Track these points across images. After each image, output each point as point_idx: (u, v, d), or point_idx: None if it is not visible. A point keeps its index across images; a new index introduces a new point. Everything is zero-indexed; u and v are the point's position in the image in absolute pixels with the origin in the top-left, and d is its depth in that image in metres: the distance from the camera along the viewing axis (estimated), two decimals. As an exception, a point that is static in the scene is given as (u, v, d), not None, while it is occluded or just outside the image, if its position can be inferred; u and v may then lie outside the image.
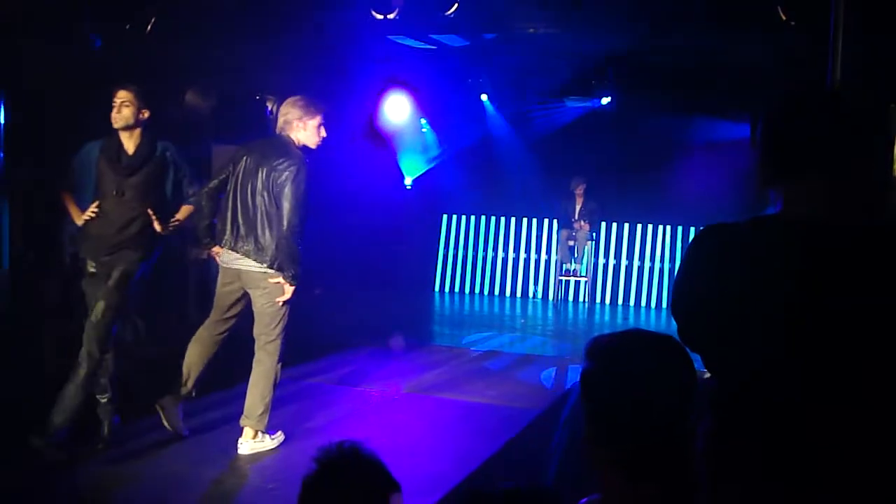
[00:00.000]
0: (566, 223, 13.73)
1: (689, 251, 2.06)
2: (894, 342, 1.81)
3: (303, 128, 6.00)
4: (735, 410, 1.94)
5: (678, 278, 2.07)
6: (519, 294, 14.99)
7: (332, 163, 13.22)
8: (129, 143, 5.81)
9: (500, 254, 15.05)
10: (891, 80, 8.18)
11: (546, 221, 14.86)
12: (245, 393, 6.06)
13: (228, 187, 5.93)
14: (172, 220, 6.01)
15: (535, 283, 14.96)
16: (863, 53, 6.36)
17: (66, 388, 5.62)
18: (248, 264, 5.85)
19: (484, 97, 14.08)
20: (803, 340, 1.84)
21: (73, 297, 8.62)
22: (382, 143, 14.01)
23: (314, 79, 12.15)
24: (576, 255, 13.93)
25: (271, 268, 5.81)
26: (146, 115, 5.83)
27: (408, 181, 14.53)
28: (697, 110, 12.53)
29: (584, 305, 14.20)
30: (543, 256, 14.90)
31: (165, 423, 6.04)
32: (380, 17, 9.41)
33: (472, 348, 9.88)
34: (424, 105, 13.91)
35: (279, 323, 5.99)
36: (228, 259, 5.96)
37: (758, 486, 1.88)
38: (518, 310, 14.06)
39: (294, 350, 9.00)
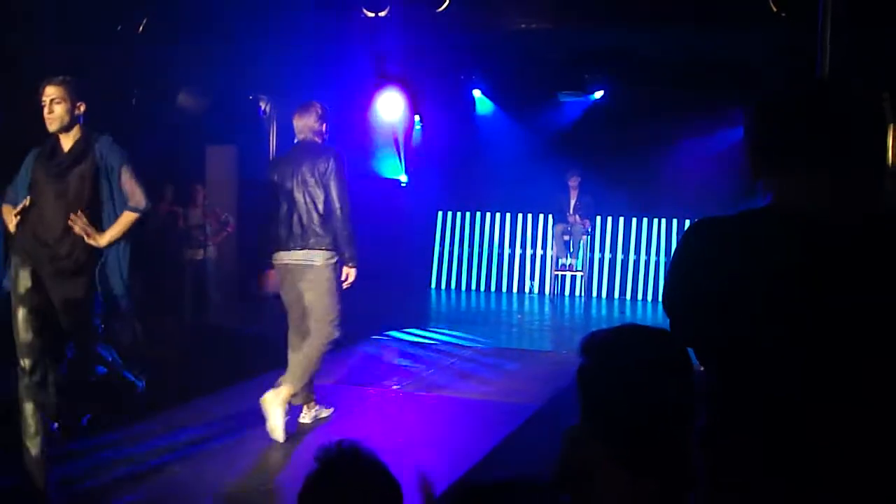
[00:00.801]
0: (561, 218, 13.74)
1: (680, 245, 2.06)
2: (891, 334, 1.82)
3: (321, 130, 6.53)
4: (731, 405, 1.94)
5: (670, 272, 2.07)
6: (515, 289, 15.00)
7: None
8: (65, 139, 5.21)
9: (496, 249, 15.06)
10: (883, 69, 8.19)
11: (541, 216, 14.86)
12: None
13: (276, 200, 6.38)
14: (110, 229, 5.23)
15: (532, 279, 14.98)
16: (854, 44, 6.37)
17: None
18: (297, 258, 6.34)
19: (477, 93, 14.07)
20: (799, 334, 1.84)
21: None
22: (377, 141, 14.00)
23: (306, 78, 12.15)
24: (571, 249, 13.95)
25: (329, 251, 6.29)
26: (82, 108, 5.20)
27: (402, 178, 14.52)
28: (690, 103, 12.53)
29: (580, 300, 14.22)
30: (539, 251, 14.91)
31: (270, 423, 6.12)
32: (371, 14, 9.41)
33: (468, 344, 9.88)
34: (417, 102, 13.90)
35: (331, 312, 6.43)
36: (282, 258, 6.41)
37: (758, 481, 1.88)
38: (514, 305, 14.07)
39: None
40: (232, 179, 13.07)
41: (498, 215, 15.18)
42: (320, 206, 6.29)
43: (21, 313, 5.05)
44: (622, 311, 13.38)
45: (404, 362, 9.02)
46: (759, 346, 1.87)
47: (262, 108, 12.80)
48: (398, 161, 14.49)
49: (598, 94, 13.34)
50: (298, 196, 6.31)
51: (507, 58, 12.62)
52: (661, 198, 13.55)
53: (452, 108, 14.12)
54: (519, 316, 13.24)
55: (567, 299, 14.36)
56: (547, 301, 14.23)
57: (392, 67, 12.30)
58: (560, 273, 14.22)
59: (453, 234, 15.38)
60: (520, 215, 15.07)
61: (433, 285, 15.26)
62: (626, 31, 10.74)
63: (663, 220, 14.37)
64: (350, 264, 6.40)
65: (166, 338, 9.96)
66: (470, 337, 10.38)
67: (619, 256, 14.56)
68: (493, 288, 15.11)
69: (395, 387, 7.97)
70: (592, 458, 1.90)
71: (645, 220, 14.51)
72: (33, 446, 4.95)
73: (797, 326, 1.83)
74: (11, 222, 5.14)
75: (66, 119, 5.15)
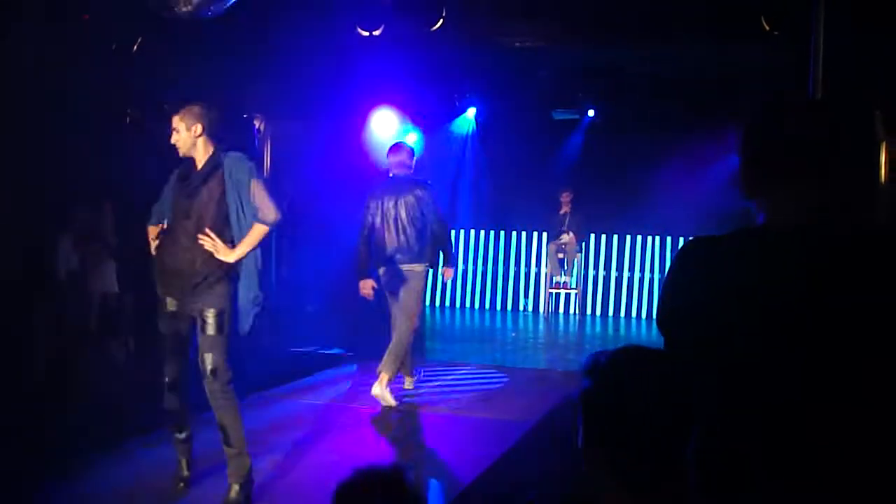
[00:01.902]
0: (554, 235, 13.76)
1: (674, 264, 2.06)
2: (888, 347, 1.82)
3: (411, 165, 8.13)
4: (727, 422, 1.95)
5: (664, 291, 2.07)
6: (509, 307, 15.00)
7: (323, 180, 13.25)
8: (198, 156, 5.44)
9: (490, 267, 15.07)
10: (875, 87, 8.24)
11: (535, 234, 14.88)
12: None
13: (376, 224, 7.90)
14: (241, 244, 5.28)
15: (526, 296, 14.98)
16: (846, 61, 6.40)
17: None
18: (405, 268, 7.88)
19: (471, 111, 14.12)
20: (795, 350, 1.84)
21: (65, 317, 8.62)
22: (371, 159, 14.02)
23: (300, 97, 12.18)
24: (565, 267, 13.96)
25: (423, 262, 7.92)
26: (198, 129, 5.39)
27: None
28: (683, 121, 12.58)
29: (574, 317, 14.23)
30: (533, 269, 14.92)
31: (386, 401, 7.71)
32: (365, 33, 9.45)
33: (463, 362, 9.87)
34: (412, 120, 13.93)
35: (416, 308, 8.12)
36: (384, 271, 7.97)
37: (759, 490, 1.88)
38: (509, 323, 14.07)
39: (283, 368, 9.03)
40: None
41: (492, 233, 15.21)
42: (417, 227, 7.83)
43: (167, 335, 5.44)
44: (616, 329, 13.39)
45: (397, 381, 9.00)
46: (756, 363, 1.87)
47: (257, 126, 12.82)
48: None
49: (592, 113, 13.39)
50: (400, 219, 7.82)
51: (500, 76, 12.67)
52: (655, 215, 13.57)
53: (446, 126, 14.15)
54: (513, 334, 13.25)
55: (561, 317, 14.37)
56: (541, 319, 14.23)
57: (386, 86, 12.33)
58: (554, 291, 14.23)
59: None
60: (513, 233, 15.09)
61: (427, 303, 15.25)
62: (620, 49, 10.80)
63: (657, 238, 14.39)
64: (450, 266, 8.50)
65: (160, 356, 9.95)
66: (464, 355, 10.38)
67: (614, 274, 14.58)
68: (487, 306, 15.12)
69: (388, 405, 7.95)
70: (594, 478, 1.90)
71: (639, 237, 14.53)
72: (179, 442, 5.62)
73: (793, 343, 1.84)
74: (152, 245, 5.48)
75: (189, 142, 5.38)
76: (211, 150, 5.39)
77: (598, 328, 13.56)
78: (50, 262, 9.12)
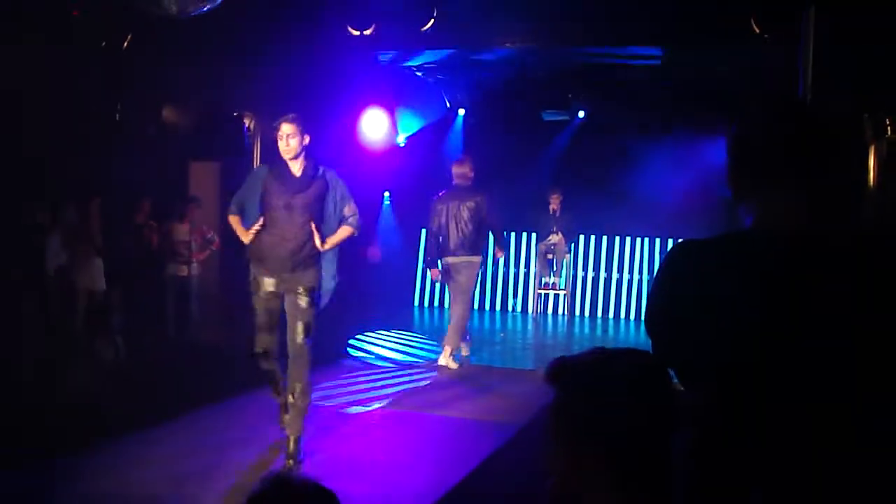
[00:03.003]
0: (544, 236, 13.76)
1: (662, 267, 2.06)
2: (876, 350, 1.83)
3: (472, 176, 9.87)
4: (715, 426, 1.95)
5: (652, 294, 2.07)
6: (498, 308, 15.00)
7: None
8: (295, 166, 6.22)
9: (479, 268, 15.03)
10: (863, 90, 8.26)
11: (524, 235, 14.88)
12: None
13: (444, 223, 9.71)
14: (331, 238, 6.38)
15: (514, 297, 14.98)
16: (835, 65, 6.43)
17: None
18: (461, 259, 9.74)
19: (461, 112, 14.11)
20: (783, 353, 1.85)
21: (53, 315, 8.59)
22: (361, 159, 14.01)
23: (291, 96, 12.16)
24: (554, 268, 13.96)
25: (478, 255, 9.84)
26: (307, 140, 6.21)
27: (386, 195, 14.47)
28: (673, 123, 12.60)
29: (563, 318, 14.23)
30: (522, 270, 14.92)
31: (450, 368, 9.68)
32: (356, 33, 9.44)
33: (451, 364, 9.86)
34: (401, 120, 13.92)
35: (473, 289, 10.15)
36: (452, 262, 9.78)
37: (750, 492, 1.89)
38: (497, 323, 14.07)
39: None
40: (215, 196, 13.03)
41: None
42: (475, 226, 9.67)
43: (261, 312, 6.39)
44: (605, 330, 13.40)
45: (386, 381, 9.00)
46: (744, 365, 1.87)
47: (247, 125, 12.79)
48: (382, 178, 14.50)
49: (582, 114, 13.40)
50: (462, 220, 9.65)
51: (491, 77, 12.67)
52: (644, 216, 13.58)
53: (436, 126, 14.14)
54: (502, 334, 13.25)
55: (550, 318, 14.38)
56: (530, 319, 14.23)
57: (377, 86, 12.32)
58: (543, 291, 14.24)
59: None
60: (503, 234, 15.06)
61: (416, 303, 15.25)
62: (611, 49, 10.81)
63: (646, 239, 14.41)
64: (501, 250, 10.37)
65: (147, 354, 9.93)
66: (451, 354, 10.36)
67: (602, 275, 14.59)
68: (476, 306, 15.10)
69: (376, 405, 7.95)
70: (567, 483, 1.89)
71: (628, 238, 14.55)
72: (277, 391, 6.55)
73: (780, 346, 1.84)
74: (245, 234, 6.36)
75: (298, 149, 6.17)
76: (307, 159, 6.27)
77: (586, 329, 13.57)
78: (38, 261, 9.09)
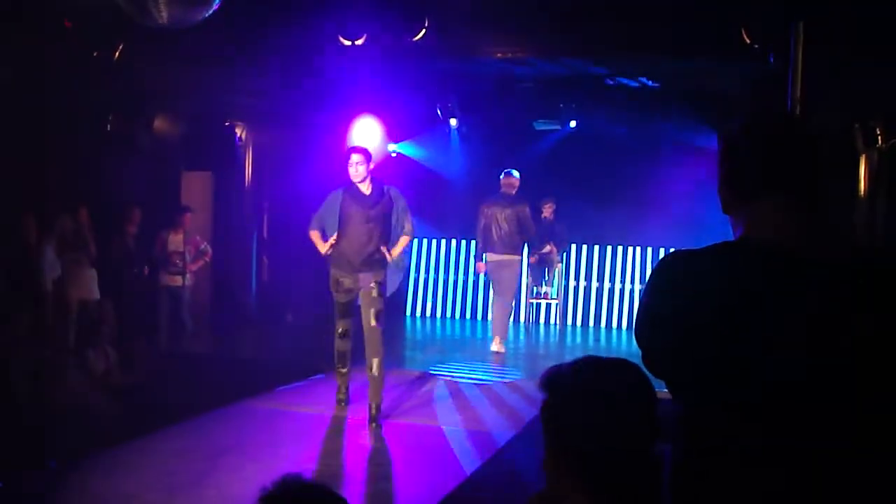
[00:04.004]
0: (536, 246, 13.76)
1: (651, 278, 2.06)
2: (863, 365, 1.83)
3: (518, 186, 11.60)
4: (705, 436, 1.95)
5: (641, 305, 2.08)
6: (490, 317, 14.99)
7: (301, 188, 13.23)
8: (364, 187, 7.71)
9: (471, 277, 15.04)
10: (853, 101, 8.29)
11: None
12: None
13: (486, 225, 11.37)
14: (395, 247, 7.92)
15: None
16: (825, 75, 6.46)
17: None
18: (505, 257, 11.42)
19: (453, 121, 14.13)
20: (772, 365, 1.85)
21: (45, 324, 8.56)
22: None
23: (282, 105, 12.17)
24: (546, 277, 13.97)
25: (520, 254, 11.66)
26: (372, 166, 7.73)
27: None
28: (665, 133, 12.64)
29: (555, 328, 14.24)
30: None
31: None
32: (347, 43, 9.45)
33: (442, 373, 9.87)
34: (393, 129, 13.94)
35: (515, 285, 12.04)
36: (494, 259, 11.47)
37: (740, 496, 1.89)
38: (489, 333, 14.06)
39: (264, 376, 9.01)
40: (207, 206, 13.04)
41: (473, 242, 15.17)
42: (516, 230, 11.34)
43: (340, 304, 7.89)
44: (597, 339, 13.41)
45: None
46: (732, 376, 1.88)
47: (238, 134, 12.80)
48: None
49: (573, 124, 13.43)
50: (509, 223, 11.30)
51: (482, 86, 12.69)
52: (636, 226, 13.61)
53: (427, 135, 14.17)
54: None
55: (542, 327, 14.38)
56: (522, 329, 14.23)
57: (368, 95, 12.34)
58: (535, 301, 14.24)
59: (428, 260, 15.37)
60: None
61: (408, 312, 15.24)
62: (602, 60, 10.85)
63: (638, 249, 14.42)
64: (534, 256, 12.88)
65: (139, 364, 9.92)
66: (444, 364, 10.37)
67: (595, 284, 14.59)
68: (467, 315, 15.11)
69: (367, 415, 7.94)
70: (557, 489, 1.91)
71: (620, 248, 14.56)
72: (341, 375, 8.09)
73: (769, 358, 1.85)
74: (324, 246, 7.86)
75: (365, 174, 7.65)
76: (373, 181, 7.76)
77: (578, 338, 13.58)
78: (31, 271, 9.07)
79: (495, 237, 11.33)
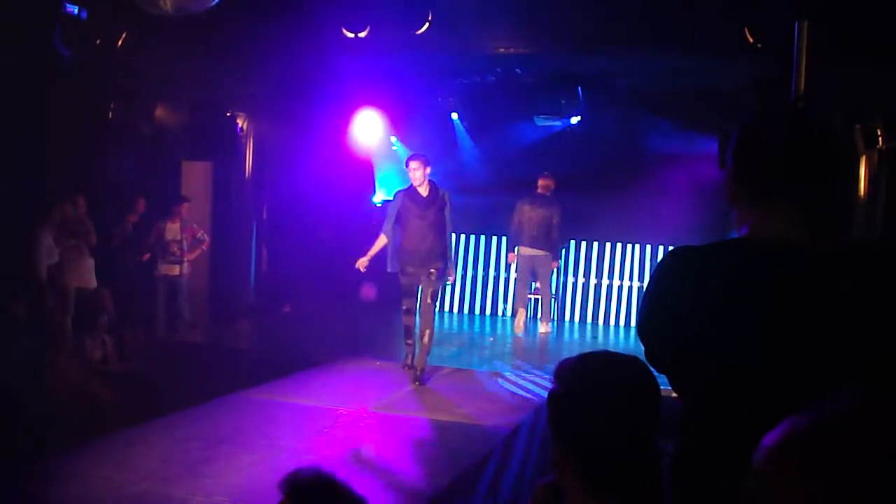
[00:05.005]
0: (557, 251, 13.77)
1: (656, 274, 2.06)
2: (866, 364, 1.83)
3: (553, 188, 12.59)
4: (707, 432, 1.96)
5: (645, 301, 2.08)
6: (488, 312, 15.01)
7: (302, 180, 13.23)
8: (422, 189, 9.03)
9: (470, 272, 15.05)
10: (855, 101, 8.29)
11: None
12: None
13: (520, 220, 12.33)
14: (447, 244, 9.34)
15: (504, 302, 14.98)
16: (828, 76, 6.45)
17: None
18: (537, 252, 12.49)
19: (454, 115, 14.12)
20: (776, 361, 1.85)
21: (41, 311, 8.56)
22: (353, 161, 14.03)
23: (284, 97, 12.16)
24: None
25: (551, 251, 12.57)
26: (429, 171, 9.01)
27: (377, 198, 14.53)
28: (667, 130, 12.63)
29: (552, 324, 14.24)
30: (513, 275, 14.91)
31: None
32: (351, 35, 9.44)
33: (441, 366, 9.88)
34: (395, 123, 13.94)
35: (550, 276, 13.01)
36: (525, 253, 12.54)
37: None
38: (487, 328, 14.08)
39: (264, 368, 9.02)
40: (207, 196, 13.04)
41: (472, 238, 15.18)
42: (546, 228, 12.30)
43: (406, 286, 9.14)
44: (595, 336, 13.41)
45: (376, 383, 9.00)
46: (735, 372, 1.88)
47: (240, 125, 12.80)
48: (373, 181, 14.54)
49: (575, 119, 13.42)
50: (541, 220, 12.31)
51: (484, 81, 12.68)
52: (635, 223, 13.60)
53: (429, 129, 14.15)
54: (490, 339, 13.25)
55: (538, 323, 14.38)
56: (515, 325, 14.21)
57: (370, 88, 12.33)
58: (533, 297, 14.24)
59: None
60: (494, 238, 15.07)
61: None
62: (604, 57, 10.83)
63: (636, 246, 14.42)
64: (558, 256, 13.04)
65: (136, 353, 9.92)
66: (442, 358, 10.37)
67: (593, 281, 14.59)
68: (465, 310, 15.11)
69: (366, 408, 7.95)
70: (563, 480, 1.92)
71: (619, 245, 14.55)
72: (408, 345, 9.43)
73: (774, 354, 1.85)
74: (363, 260, 9.12)
75: (423, 178, 8.97)
76: (430, 183, 9.08)
77: (575, 335, 13.58)
78: (30, 259, 9.07)
79: (524, 235, 12.42)
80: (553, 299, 14.03)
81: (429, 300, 9.13)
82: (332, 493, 2.05)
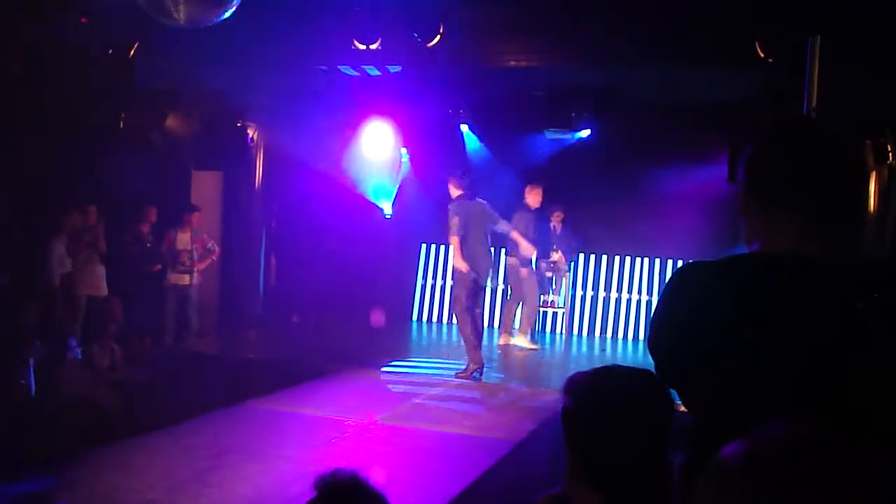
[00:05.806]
0: (543, 254, 13.73)
1: (667, 288, 2.06)
2: (880, 376, 1.83)
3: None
4: (715, 446, 1.95)
5: (656, 315, 2.07)
6: (496, 325, 14.98)
7: (311, 190, 13.24)
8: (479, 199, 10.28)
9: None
10: (864, 117, 8.27)
11: (525, 252, 14.83)
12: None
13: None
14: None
15: (514, 314, 14.94)
16: (839, 90, 6.44)
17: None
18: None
19: (464, 128, 14.13)
20: (787, 378, 1.85)
21: (52, 320, 8.57)
22: (362, 172, 14.04)
23: (294, 107, 12.19)
24: (554, 286, 13.95)
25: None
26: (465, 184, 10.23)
27: (388, 210, 14.53)
28: (677, 143, 12.62)
29: (561, 337, 14.22)
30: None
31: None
32: (362, 47, 9.45)
33: (449, 378, 9.87)
34: (405, 134, 13.94)
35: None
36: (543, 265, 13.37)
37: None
38: (495, 340, 14.06)
39: (271, 378, 9.02)
40: (217, 206, 13.07)
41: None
42: (559, 238, 13.18)
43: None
44: (603, 349, 13.39)
45: (383, 394, 8.99)
46: (746, 389, 1.88)
47: (250, 135, 12.82)
48: (383, 192, 14.54)
49: (585, 133, 13.42)
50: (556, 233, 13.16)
51: (495, 93, 12.70)
52: (645, 237, 13.59)
53: (439, 140, 14.16)
54: (499, 351, 13.23)
55: (548, 336, 14.36)
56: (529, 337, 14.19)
57: (381, 99, 12.35)
58: (542, 309, 14.22)
59: (436, 266, 15.37)
60: (502, 250, 15.02)
61: (415, 317, 15.23)
62: (614, 70, 10.84)
63: (646, 259, 14.40)
64: (543, 258, 13.49)
65: (144, 362, 9.93)
66: (451, 370, 10.36)
67: (602, 294, 14.58)
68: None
69: (372, 419, 7.94)
70: (575, 493, 1.92)
71: (627, 258, 14.54)
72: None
73: (784, 370, 1.84)
74: (464, 263, 10.10)
75: (458, 192, 10.09)
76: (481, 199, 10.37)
77: (584, 348, 13.56)
78: (42, 267, 9.10)
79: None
80: (564, 313, 14.04)
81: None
82: (366, 498, 2.06)
